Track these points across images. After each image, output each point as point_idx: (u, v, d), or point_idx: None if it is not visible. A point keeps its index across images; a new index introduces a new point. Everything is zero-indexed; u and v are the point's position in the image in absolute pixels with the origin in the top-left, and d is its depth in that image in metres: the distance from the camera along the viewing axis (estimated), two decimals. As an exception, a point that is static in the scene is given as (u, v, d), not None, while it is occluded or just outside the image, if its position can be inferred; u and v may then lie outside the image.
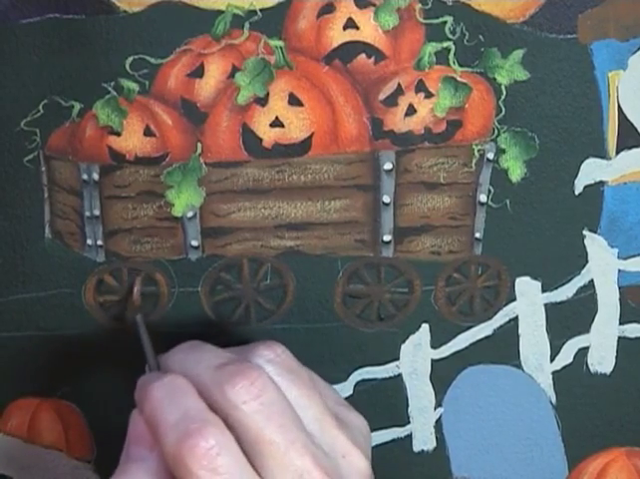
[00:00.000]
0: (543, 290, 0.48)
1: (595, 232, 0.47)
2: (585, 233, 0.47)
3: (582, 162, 0.45)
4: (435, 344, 0.48)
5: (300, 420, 0.37)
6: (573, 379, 0.49)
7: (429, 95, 0.44)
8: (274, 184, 0.45)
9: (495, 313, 0.48)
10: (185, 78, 0.43)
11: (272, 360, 0.38)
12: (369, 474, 0.38)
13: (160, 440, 0.36)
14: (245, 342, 0.47)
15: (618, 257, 0.47)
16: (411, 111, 0.44)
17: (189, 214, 0.45)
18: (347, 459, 0.37)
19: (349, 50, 0.43)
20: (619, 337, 0.49)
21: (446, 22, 0.42)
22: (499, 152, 0.45)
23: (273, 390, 0.36)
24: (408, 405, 0.49)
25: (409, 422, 0.50)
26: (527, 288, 0.48)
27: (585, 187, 0.46)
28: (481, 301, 0.48)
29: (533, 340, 0.49)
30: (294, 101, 0.43)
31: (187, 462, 0.34)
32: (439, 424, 0.50)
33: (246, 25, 0.42)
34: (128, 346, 0.47)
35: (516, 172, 0.45)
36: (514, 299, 0.48)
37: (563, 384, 0.49)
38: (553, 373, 0.49)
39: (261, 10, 0.42)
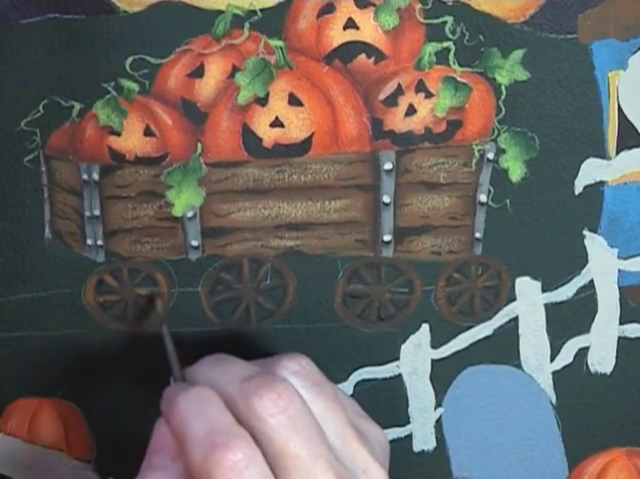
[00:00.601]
0: (543, 290, 0.48)
1: (595, 231, 0.47)
2: (585, 232, 0.47)
3: (582, 162, 0.45)
4: (435, 344, 0.48)
5: (324, 434, 0.37)
6: (573, 379, 0.49)
7: (429, 95, 0.44)
8: (274, 184, 0.45)
9: (496, 313, 0.48)
10: (186, 78, 0.43)
11: (297, 372, 0.38)
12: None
13: (186, 453, 0.36)
14: (245, 342, 0.47)
15: (618, 257, 0.47)
16: (411, 111, 0.44)
17: (190, 214, 0.45)
18: (367, 474, 0.38)
19: (349, 50, 0.43)
20: (619, 337, 0.49)
21: (446, 22, 0.42)
22: (500, 152, 0.45)
23: (299, 403, 0.36)
24: (408, 405, 0.49)
25: (409, 422, 0.50)
26: (528, 288, 0.48)
27: (585, 187, 0.46)
28: (482, 301, 0.48)
29: (533, 340, 0.49)
30: (294, 101, 0.43)
31: (215, 476, 0.34)
32: (439, 424, 0.50)
33: (246, 25, 0.42)
34: (127, 346, 0.47)
35: (516, 172, 0.45)
36: (515, 299, 0.48)
37: (563, 384, 0.49)
38: (553, 373, 0.49)
39: (261, 10, 0.42)
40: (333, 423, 0.38)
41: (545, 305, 0.48)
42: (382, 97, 0.44)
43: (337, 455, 0.37)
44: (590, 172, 0.46)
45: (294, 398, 0.36)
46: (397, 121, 0.44)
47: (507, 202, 0.46)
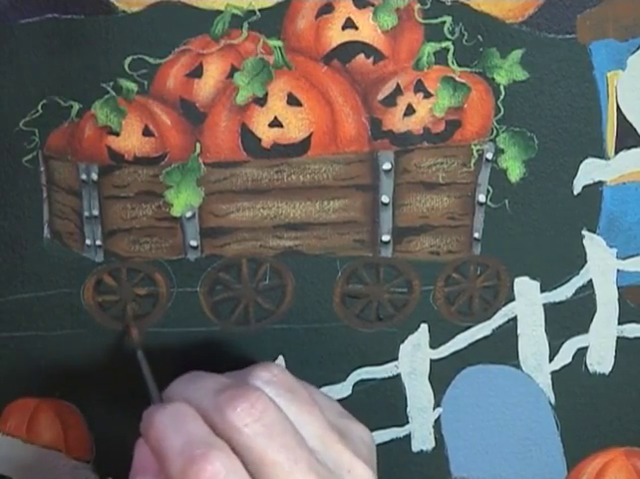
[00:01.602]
0: (542, 290, 0.48)
1: (594, 231, 0.47)
2: (584, 232, 0.47)
3: (581, 162, 0.45)
4: (434, 344, 0.48)
5: (303, 439, 0.37)
6: (572, 379, 0.49)
7: (428, 95, 0.44)
8: (273, 184, 0.45)
9: (494, 313, 0.48)
10: (184, 78, 0.43)
11: (270, 381, 0.38)
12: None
13: (165, 467, 0.36)
14: (244, 342, 0.47)
15: (617, 257, 0.47)
16: (410, 111, 0.44)
17: (188, 214, 0.45)
18: (352, 473, 0.38)
19: (348, 50, 0.43)
20: (618, 337, 0.49)
21: (445, 22, 0.42)
22: (498, 152, 0.45)
23: (274, 411, 0.36)
24: (407, 405, 0.49)
25: (408, 422, 0.50)
26: (526, 288, 0.48)
27: (584, 187, 0.46)
28: (480, 301, 0.48)
29: (532, 340, 0.49)
30: (293, 101, 0.43)
31: None
32: (438, 424, 0.50)
33: (245, 25, 0.42)
34: (127, 346, 0.47)
35: (515, 172, 0.45)
36: (513, 299, 0.48)
37: (562, 384, 0.49)
38: (552, 373, 0.49)
39: (260, 10, 0.42)
40: (311, 427, 0.38)
41: (544, 305, 0.48)
42: (381, 97, 0.44)
43: (318, 458, 0.37)
44: (589, 172, 0.46)
45: (268, 406, 0.36)
46: (396, 121, 0.44)
47: (506, 202, 0.46)
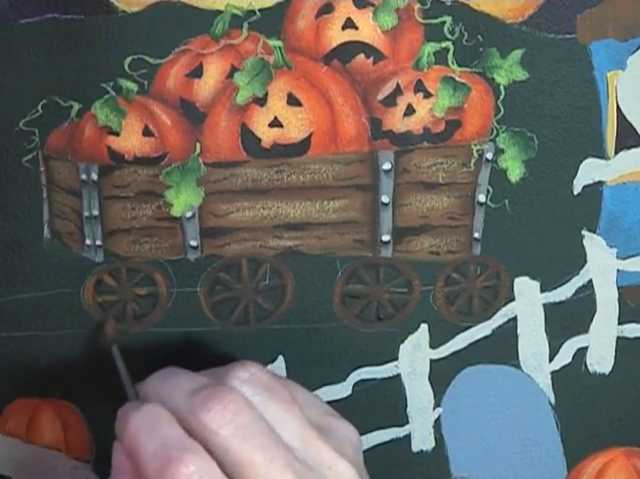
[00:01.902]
0: (542, 290, 0.48)
1: (594, 231, 0.47)
2: (584, 232, 0.47)
3: (581, 162, 0.45)
4: (434, 344, 0.48)
5: (279, 437, 0.37)
6: (572, 379, 0.49)
7: (428, 95, 0.44)
8: (273, 184, 0.45)
9: (494, 313, 0.48)
10: (184, 78, 0.43)
11: (247, 380, 0.38)
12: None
13: (141, 470, 0.36)
14: (244, 342, 0.47)
15: (617, 257, 0.47)
16: (410, 111, 0.44)
17: (188, 214, 0.45)
18: (333, 470, 0.37)
19: (348, 50, 0.43)
20: (618, 337, 0.49)
21: (444, 22, 0.42)
22: (498, 152, 0.45)
23: (248, 411, 0.36)
24: (407, 405, 0.49)
25: (408, 422, 0.50)
26: (526, 288, 0.48)
27: (584, 187, 0.46)
28: (480, 301, 0.48)
29: (532, 340, 0.49)
30: (293, 101, 0.43)
31: None
32: (438, 424, 0.50)
33: (245, 25, 0.42)
34: (127, 346, 0.47)
35: (515, 172, 0.45)
36: (513, 299, 0.48)
37: (562, 384, 0.49)
38: (552, 373, 0.49)
39: (260, 10, 0.42)
40: (290, 425, 0.38)
41: (544, 305, 0.48)
42: (381, 97, 0.44)
43: (297, 455, 0.37)
44: (589, 172, 0.46)
45: (241, 407, 0.36)
46: (396, 121, 0.44)
47: (506, 202, 0.46)
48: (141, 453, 0.36)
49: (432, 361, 0.49)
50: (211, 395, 0.36)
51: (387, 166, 0.45)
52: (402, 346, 0.48)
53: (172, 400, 0.37)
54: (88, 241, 0.45)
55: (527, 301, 0.48)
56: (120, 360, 0.43)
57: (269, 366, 0.48)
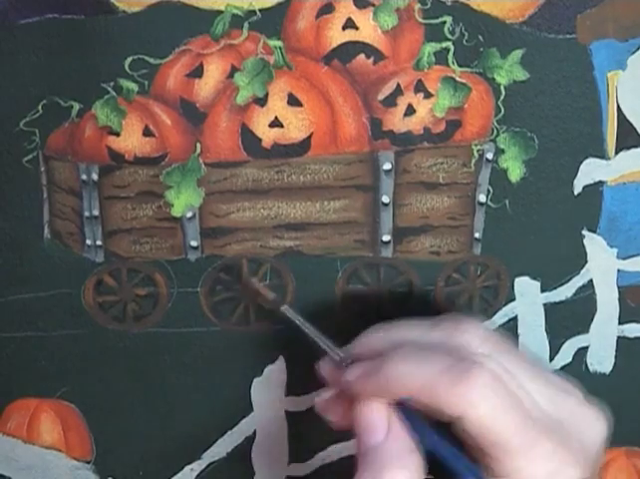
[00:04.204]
0: (543, 290, 0.48)
1: (594, 231, 0.47)
2: (585, 232, 0.47)
3: (581, 162, 0.45)
4: (434, 344, 0.48)
5: (539, 407, 0.37)
6: (572, 379, 0.49)
7: (428, 95, 0.44)
8: (273, 184, 0.45)
9: (495, 313, 0.48)
10: (185, 78, 0.43)
11: (492, 355, 0.38)
12: (607, 418, 0.40)
13: (431, 394, 0.36)
14: (244, 342, 0.47)
15: (617, 257, 0.47)
16: (410, 111, 0.44)
17: (189, 214, 0.45)
18: (586, 418, 0.39)
19: (348, 50, 0.43)
20: (618, 337, 0.49)
21: (445, 22, 0.42)
22: (499, 152, 0.45)
23: (503, 383, 0.36)
24: (407, 405, 0.49)
25: (408, 422, 0.50)
26: (527, 288, 0.48)
27: (584, 187, 0.46)
28: (481, 301, 0.48)
29: (533, 340, 0.49)
30: (293, 101, 0.43)
31: (470, 397, 0.35)
32: (438, 424, 0.50)
33: (245, 25, 0.42)
34: (127, 346, 0.47)
35: (516, 172, 0.45)
36: (514, 299, 0.48)
37: (562, 384, 0.49)
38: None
39: (260, 10, 0.42)
40: (542, 389, 0.38)
41: (544, 305, 0.48)
42: (381, 97, 0.44)
43: (553, 420, 0.37)
44: (589, 172, 0.46)
45: (500, 378, 0.36)
46: (396, 121, 0.44)
47: (507, 202, 0.46)
48: (423, 378, 0.36)
49: (432, 361, 0.49)
50: (466, 369, 0.36)
51: (387, 166, 0.45)
52: (402, 346, 0.48)
53: (425, 373, 0.37)
54: (88, 242, 0.45)
55: (528, 301, 0.48)
56: (299, 319, 0.42)
57: (269, 366, 0.48)
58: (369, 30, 0.42)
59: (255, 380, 0.48)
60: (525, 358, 0.39)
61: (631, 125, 0.45)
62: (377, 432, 0.37)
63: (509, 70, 0.43)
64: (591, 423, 0.39)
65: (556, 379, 0.40)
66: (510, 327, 0.48)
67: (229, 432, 0.49)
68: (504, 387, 0.36)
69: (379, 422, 0.37)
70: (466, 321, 0.39)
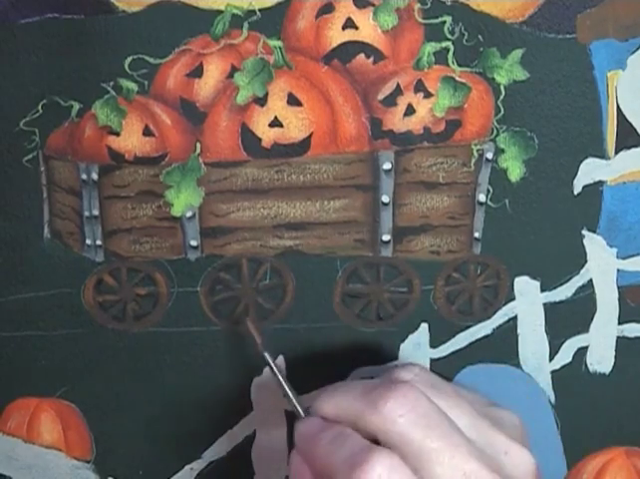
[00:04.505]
0: (542, 290, 0.48)
1: (594, 231, 0.47)
2: (584, 232, 0.47)
3: (581, 161, 0.45)
4: (434, 344, 0.48)
5: (457, 426, 0.37)
6: (572, 379, 0.49)
7: (428, 95, 0.44)
8: (273, 183, 0.45)
9: (495, 313, 0.48)
10: (185, 78, 0.43)
11: (413, 380, 0.39)
12: (534, 464, 0.39)
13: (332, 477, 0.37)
14: (244, 342, 0.47)
15: (617, 257, 0.47)
16: (410, 111, 0.44)
17: (189, 213, 0.45)
18: (510, 455, 0.38)
19: (348, 50, 0.43)
20: (618, 337, 0.49)
21: (445, 22, 0.42)
22: (499, 151, 0.45)
23: (425, 401, 0.37)
24: (407, 405, 0.49)
25: (408, 422, 0.50)
26: (526, 288, 0.48)
27: (584, 186, 0.46)
28: (481, 301, 0.48)
29: (532, 340, 0.49)
30: (293, 101, 0.43)
31: None
32: (438, 424, 0.50)
33: (245, 25, 0.42)
34: (127, 346, 0.47)
35: (515, 171, 0.45)
36: (514, 299, 0.48)
37: (562, 384, 0.49)
38: (552, 373, 0.49)
39: (260, 10, 0.42)
40: (463, 418, 0.38)
41: (544, 305, 0.48)
42: (381, 97, 0.44)
43: (475, 446, 0.37)
44: (589, 171, 0.46)
45: (419, 396, 0.37)
46: (396, 121, 0.44)
47: (506, 201, 0.46)
48: (331, 463, 0.37)
49: (432, 360, 0.49)
50: (388, 389, 0.37)
51: (387, 165, 0.45)
52: (402, 346, 0.48)
53: (349, 403, 0.38)
54: (88, 241, 0.45)
55: (528, 301, 0.48)
56: (279, 374, 0.43)
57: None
58: (369, 30, 0.42)
59: (255, 380, 0.48)
60: (455, 393, 0.39)
61: (631, 125, 0.45)
62: None
63: (509, 70, 0.43)
64: (516, 464, 0.38)
65: (487, 410, 0.40)
66: (510, 327, 0.48)
67: (229, 432, 0.49)
68: (424, 406, 0.37)
69: (305, 473, 0.39)
70: (398, 368, 0.40)
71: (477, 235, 0.46)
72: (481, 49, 0.43)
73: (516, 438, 0.39)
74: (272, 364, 0.43)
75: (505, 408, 0.41)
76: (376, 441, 0.37)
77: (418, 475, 0.36)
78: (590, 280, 0.48)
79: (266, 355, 0.44)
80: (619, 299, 0.48)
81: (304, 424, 0.40)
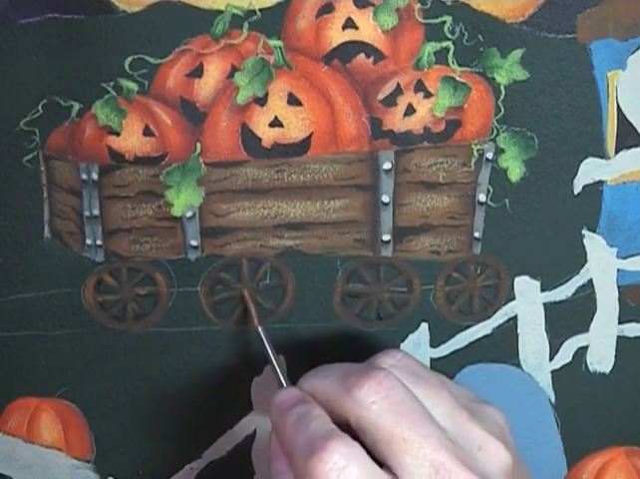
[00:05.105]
0: (542, 290, 0.48)
1: (594, 231, 0.47)
2: (584, 232, 0.47)
3: (581, 161, 0.45)
4: (434, 343, 0.48)
5: (431, 416, 0.37)
6: (572, 378, 0.49)
7: (428, 95, 0.44)
8: (273, 183, 0.45)
9: (495, 312, 0.48)
10: (185, 78, 0.43)
11: (394, 365, 0.38)
12: (510, 462, 0.38)
13: (293, 463, 0.37)
14: (244, 342, 0.47)
15: (617, 257, 0.47)
16: (410, 111, 0.44)
17: (189, 213, 0.45)
18: (484, 450, 0.37)
19: (348, 50, 0.43)
20: (618, 337, 0.49)
21: (445, 22, 0.42)
22: (499, 151, 0.45)
23: (401, 388, 0.37)
24: (407, 404, 0.49)
25: (408, 421, 0.50)
26: (527, 288, 0.48)
27: (584, 186, 0.46)
28: (481, 301, 0.48)
29: (532, 339, 0.49)
30: (293, 101, 0.43)
31: (317, 477, 0.35)
32: (438, 423, 0.50)
33: (245, 25, 0.42)
34: (127, 345, 0.47)
35: (516, 171, 0.45)
36: (514, 299, 0.48)
37: (562, 383, 0.49)
38: (552, 372, 0.49)
39: (260, 10, 0.42)
40: (440, 407, 0.38)
41: (544, 305, 0.48)
42: (381, 97, 0.44)
43: (449, 436, 0.37)
44: (589, 171, 0.46)
45: (395, 383, 0.37)
46: (396, 121, 0.44)
47: (507, 201, 0.46)
48: (293, 448, 0.37)
49: (432, 360, 0.49)
50: (364, 374, 0.37)
51: (387, 165, 0.45)
52: (402, 345, 0.48)
53: (326, 386, 0.38)
54: (88, 241, 0.45)
55: (528, 301, 0.48)
56: (269, 346, 0.44)
57: (269, 366, 0.48)
58: (369, 30, 0.42)
59: (255, 380, 0.48)
60: (438, 382, 0.39)
61: (631, 124, 0.45)
62: (279, 459, 0.38)
63: (509, 70, 0.43)
64: (490, 459, 0.37)
65: (471, 404, 0.40)
66: (510, 327, 0.48)
67: (229, 432, 0.49)
68: (398, 394, 0.36)
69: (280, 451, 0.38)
70: (382, 353, 0.40)
71: (477, 234, 0.46)
72: (482, 49, 0.43)
73: (495, 434, 0.38)
74: (264, 337, 0.44)
75: (494, 407, 0.41)
76: (349, 425, 0.37)
77: (387, 463, 0.36)
78: (590, 280, 0.48)
79: (260, 329, 0.44)
80: (619, 299, 0.48)
81: (280, 395, 0.40)
